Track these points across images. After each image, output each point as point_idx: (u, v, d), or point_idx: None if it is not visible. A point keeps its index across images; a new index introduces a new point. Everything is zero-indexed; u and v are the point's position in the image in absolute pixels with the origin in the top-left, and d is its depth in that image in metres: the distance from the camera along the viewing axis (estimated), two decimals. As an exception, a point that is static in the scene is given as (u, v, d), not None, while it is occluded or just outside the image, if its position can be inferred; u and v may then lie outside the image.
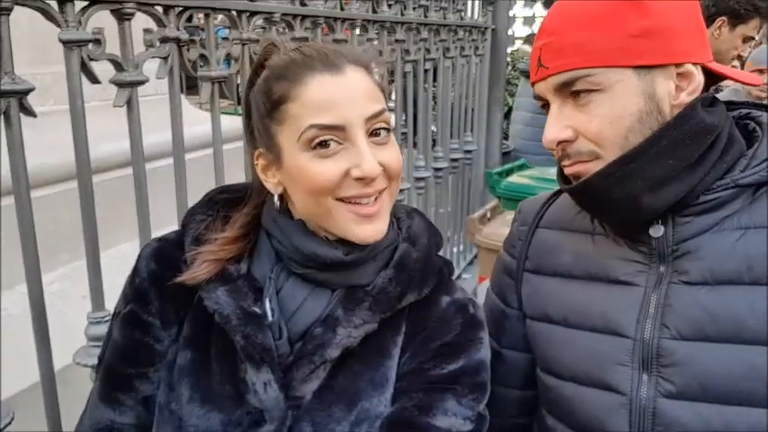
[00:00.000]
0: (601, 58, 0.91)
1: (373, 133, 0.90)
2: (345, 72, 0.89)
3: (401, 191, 2.87)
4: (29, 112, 1.20)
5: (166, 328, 0.98)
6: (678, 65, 0.93)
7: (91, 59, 1.29)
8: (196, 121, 2.39)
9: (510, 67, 5.30)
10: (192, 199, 1.09)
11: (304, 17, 1.95)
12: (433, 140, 3.30)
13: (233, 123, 2.29)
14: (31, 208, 1.25)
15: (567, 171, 0.99)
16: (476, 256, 3.94)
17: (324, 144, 0.88)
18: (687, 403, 0.92)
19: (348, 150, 0.88)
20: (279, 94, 0.90)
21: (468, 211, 3.97)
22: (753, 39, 2.82)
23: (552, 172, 4.01)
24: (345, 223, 0.91)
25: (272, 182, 0.96)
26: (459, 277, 3.77)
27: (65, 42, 1.23)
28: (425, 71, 3.02)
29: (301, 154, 0.89)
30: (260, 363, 0.91)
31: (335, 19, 2.13)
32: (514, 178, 3.63)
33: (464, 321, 1.00)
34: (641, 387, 0.95)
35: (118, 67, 1.36)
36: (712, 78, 0.99)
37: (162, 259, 0.99)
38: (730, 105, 1.05)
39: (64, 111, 2.85)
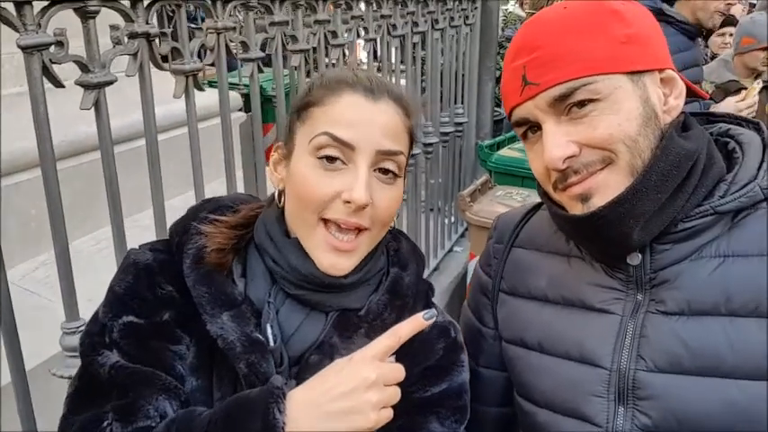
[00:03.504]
0: (598, 65, 0.88)
1: (381, 170, 0.92)
2: (379, 102, 0.93)
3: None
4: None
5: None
6: (661, 70, 0.93)
7: (53, 63, 1.23)
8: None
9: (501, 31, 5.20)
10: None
11: (283, 0, 1.87)
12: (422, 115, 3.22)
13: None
14: None
15: (577, 190, 0.92)
16: (467, 229, 3.91)
17: (331, 159, 0.90)
18: None
19: (349, 172, 0.90)
20: (313, 98, 0.95)
21: (461, 182, 3.92)
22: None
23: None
24: (316, 246, 0.92)
25: (277, 176, 1.00)
26: (450, 250, 3.76)
27: (24, 48, 1.17)
28: (414, 45, 2.94)
29: (308, 158, 0.92)
30: None
31: (317, -1, 2.05)
32: (505, 152, 3.58)
33: (446, 345, 1.02)
34: (617, 419, 0.93)
35: (84, 68, 1.30)
36: None
37: (167, 271, 0.95)
38: (710, 118, 1.02)
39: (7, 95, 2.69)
